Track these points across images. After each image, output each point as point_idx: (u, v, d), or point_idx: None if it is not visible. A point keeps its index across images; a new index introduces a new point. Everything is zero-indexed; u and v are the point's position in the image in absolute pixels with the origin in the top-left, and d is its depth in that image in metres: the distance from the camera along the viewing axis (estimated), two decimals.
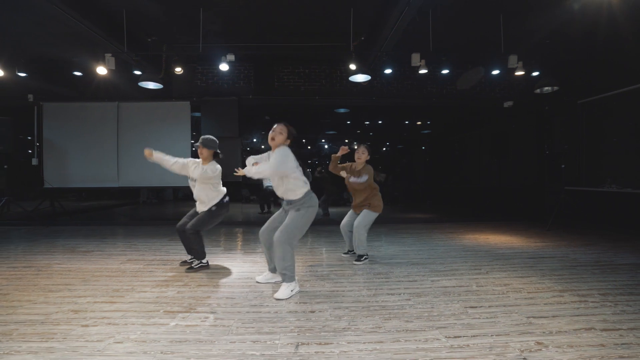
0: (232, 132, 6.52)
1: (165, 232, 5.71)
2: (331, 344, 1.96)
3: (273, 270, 3.09)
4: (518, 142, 8.09)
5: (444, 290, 2.88)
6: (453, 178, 11.30)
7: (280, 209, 3.03)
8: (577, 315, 2.32)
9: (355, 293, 2.83)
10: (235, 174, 2.93)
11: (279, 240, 2.74)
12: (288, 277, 2.76)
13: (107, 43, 5.01)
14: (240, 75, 6.83)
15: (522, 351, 1.85)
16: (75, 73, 6.47)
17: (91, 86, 6.59)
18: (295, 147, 2.89)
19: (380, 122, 10.34)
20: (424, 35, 5.18)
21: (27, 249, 4.43)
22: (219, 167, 3.50)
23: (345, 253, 4.16)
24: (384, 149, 15.10)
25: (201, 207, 3.53)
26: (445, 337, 2.04)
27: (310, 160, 16.24)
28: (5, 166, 6.33)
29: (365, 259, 3.81)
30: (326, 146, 14.98)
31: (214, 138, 3.50)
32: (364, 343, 1.97)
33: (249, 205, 11.47)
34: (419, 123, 10.51)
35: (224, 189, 3.61)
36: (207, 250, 4.28)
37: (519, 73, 5.14)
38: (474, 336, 2.04)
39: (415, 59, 4.94)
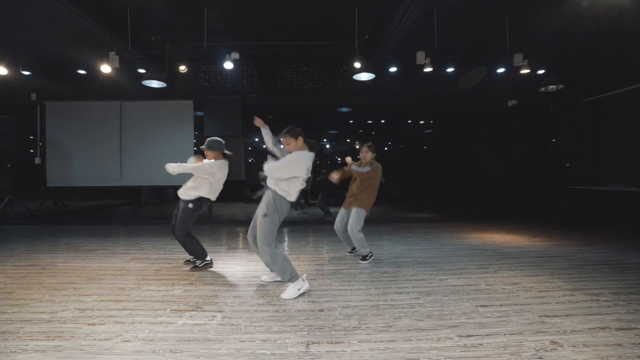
0: (235, 131, 6.49)
1: (168, 231, 5.67)
2: (342, 342, 1.93)
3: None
4: (521, 141, 8.06)
5: (453, 289, 2.85)
6: (455, 177, 11.27)
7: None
8: (591, 315, 2.29)
9: (363, 292, 2.80)
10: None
11: (261, 250, 2.74)
12: (289, 277, 2.73)
13: (111, 41, 4.98)
14: (243, 74, 6.80)
15: (538, 350, 1.82)
16: (79, 71, 6.45)
17: (94, 85, 6.58)
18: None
19: (383, 121, 10.31)
20: (428, 34, 5.15)
21: (30, 247, 4.40)
22: (216, 165, 3.36)
23: (349, 252, 4.13)
24: (386, 148, 15.07)
25: (181, 191, 3.41)
26: (458, 336, 2.00)
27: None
28: (9, 165, 6.32)
29: (371, 256, 3.78)
30: (328, 146, 14.95)
31: (219, 139, 3.45)
32: (376, 342, 1.94)
33: (251, 205, 11.44)
34: (421, 122, 10.47)
35: (211, 194, 3.44)
36: (210, 249, 4.28)
37: (525, 71, 5.11)
38: (487, 335, 2.01)
39: (420, 57, 4.91)
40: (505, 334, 2.01)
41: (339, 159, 16.41)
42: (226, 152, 3.49)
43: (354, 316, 2.31)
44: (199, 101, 6.71)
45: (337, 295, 2.73)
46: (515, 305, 2.49)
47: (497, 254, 4.16)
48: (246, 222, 7.46)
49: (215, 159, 3.43)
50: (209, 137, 3.51)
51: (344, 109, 8.35)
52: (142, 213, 9.27)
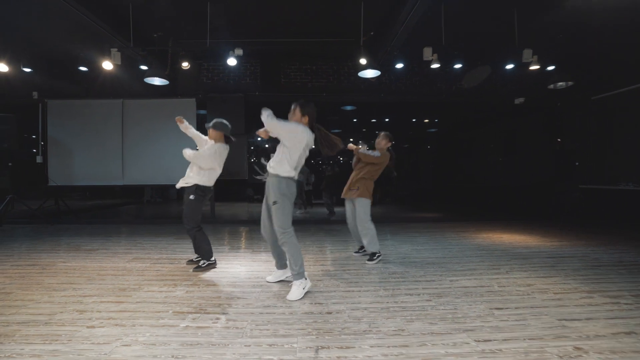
0: (238, 130, 6.38)
1: (171, 230, 5.61)
2: (353, 347, 1.83)
3: (282, 266, 2.97)
4: (527, 139, 7.93)
5: (465, 291, 2.75)
6: (460, 177, 11.14)
7: (265, 198, 2.79)
8: (613, 318, 2.18)
9: (372, 293, 2.71)
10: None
11: (280, 240, 2.66)
12: (297, 271, 2.65)
13: (113, 38, 4.91)
14: (246, 72, 6.71)
15: (561, 357, 1.72)
16: (81, 68, 6.36)
17: (96, 83, 6.50)
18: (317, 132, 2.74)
19: (387, 119, 10.19)
20: (435, 30, 5.04)
21: (31, 247, 4.33)
22: (214, 148, 3.24)
23: (356, 252, 4.04)
24: (389, 147, 14.91)
25: (179, 183, 3.35)
26: (475, 340, 1.90)
27: (313, 160, 16.07)
28: (10, 164, 6.26)
29: (378, 257, 3.67)
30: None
31: (226, 122, 3.36)
32: (388, 347, 1.84)
33: (253, 204, 11.37)
34: (426, 121, 10.35)
35: (209, 180, 3.33)
36: (213, 249, 4.18)
37: (534, 67, 4.99)
38: (505, 340, 1.91)
39: (427, 53, 4.81)
40: (524, 339, 1.91)
41: (342, 158, 16.29)
42: (230, 137, 3.39)
43: (363, 319, 2.21)
44: (202, 99, 6.63)
45: (345, 296, 2.63)
46: (532, 308, 2.39)
47: (507, 254, 4.05)
48: (249, 221, 7.41)
49: (216, 139, 3.32)
50: (215, 119, 3.43)
51: (348, 107, 8.25)
52: (145, 212, 9.21)
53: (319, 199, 9.12)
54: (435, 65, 5.02)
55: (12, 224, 6.11)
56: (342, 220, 7.43)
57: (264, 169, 2.82)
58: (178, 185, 3.38)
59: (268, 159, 2.82)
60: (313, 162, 15.86)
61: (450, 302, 2.50)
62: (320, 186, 8.03)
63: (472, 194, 10.38)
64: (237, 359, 1.72)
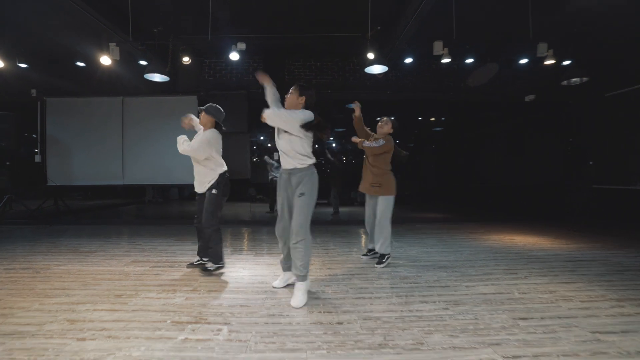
0: (240, 128, 6.25)
1: (172, 231, 5.44)
2: None
3: (288, 269, 2.78)
4: (538, 137, 7.72)
5: (484, 298, 2.57)
6: (467, 176, 10.93)
7: (281, 194, 2.63)
8: None
9: (384, 300, 2.53)
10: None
11: (297, 236, 2.48)
12: (305, 272, 2.51)
13: (112, 33, 4.75)
14: (249, 69, 6.55)
15: None
16: (79, 64, 6.21)
17: (96, 80, 6.35)
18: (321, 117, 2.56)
19: (392, 118, 9.96)
20: (444, 25, 4.87)
21: (27, 249, 4.18)
22: (206, 137, 3.01)
23: (364, 254, 3.86)
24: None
25: (199, 187, 3.18)
26: (503, 357, 1.72)
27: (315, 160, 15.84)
28: (7, 163, 6.12)
29: (388, 258, 3.50)
30: (334, 144, 14.65)
31: (220, 108, 3.19)
32: None
33: (255, 204, 11.21)
34: (432, 119, 10.15)
35: (221, 167, 3.16)
36: None
37: (549, 62, 4.79)
38: (536, 356, 1.73)
39: (438, 47, 4.61)
40: (558, 355, 1.73)
41: (344, 158, 16.11)
42: (222, 125, 3.20)
43: (377, 330, 2.04)
44: (203, 97, 6.46)
45: (356, 304, 2.45)
46: (559, 318, 2.20)
47: (522, 257, 3.86)
48: (251, 222, 7.24)
49: (206, 125, 3.13)
50: (208, 103, 3.26)
51: (352, 105, 8.03)
52: (146, 213, 9.07)
53: (322, 198, 8.95)
54: (446, 60, 4.82)
55: (10, 225, 5.97)
56: (347, 221, 7.28)
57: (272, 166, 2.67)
58: (200, 191, 3.18)
59: (271, 156, 2.68)
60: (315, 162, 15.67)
61: (469, 311, 2.32)
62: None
63: (479, 194, 10.18)
64: None
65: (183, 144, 3.05)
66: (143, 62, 5.23)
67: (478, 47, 5.63)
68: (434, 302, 2.51)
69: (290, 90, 2.61)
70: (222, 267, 3.22)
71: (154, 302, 2.45)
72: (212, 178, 3.12)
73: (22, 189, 8.03)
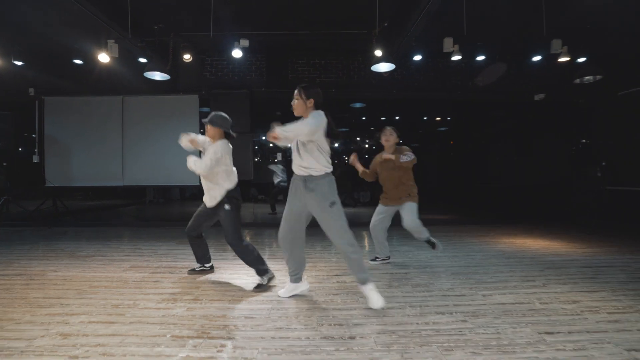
0: (243, 128, 6.09)
1: (173, 234, 5.30)
2: None
3: (296, 280, 2.64)
4: (548, 137, 7.55)
5: (503, 309, 2.41)
6: (472, 177, 10.76)
7: (292, 202, 2.47)
8: None
9: (397, 311, 2.38)
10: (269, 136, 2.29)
11: (344, 248, 2.37)
12: (367, 277, 2.43)
13: (111, 29, 4.61)
14: (252, 67, 6.39)
15: None
16: (77, 61, 6.06)
17: (95, 79, 6.21)
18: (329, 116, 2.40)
19: (397, 117, 9.83)
20: (454, 22, 4.71)
21: (23, 253, 4.04)
22: (219, 151, 2.79)
23: (372, 260, 3.71)
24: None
25: (210, 201, 2.94)
26: None
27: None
28: (5, 164, 5.98)
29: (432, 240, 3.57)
30: (337, 144, 14.51)
31: (225, 116, 2.94)
32: None
33: (257, 205, 11.07)
34: (438, 119, 9.98)
35: (230, 181, 2.92)
36: (217, 255, 3.88)
37: (564, 59, 4.62)
38: None
39: (448, 44, 4.46)
40: None
41: (347, 158, 15.96)
42: (231, 132, 2.96)
43: (393, 346, 1.89)
44: (205, 96, 6.32)
45: (368, 315, 2.30)
46: (588, 332, 2.05)
47: (537, 262, 3.70)
48: (253, 224, 7.09)
49: (215, 137, 2.91)
50: (212, 112, 3.05)
51: (357, 105, 7.92)
52: (146, 214, 8.93)
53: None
54: (456, 57, 4.66)
55: (7, 227, 5.84)
56: (351, 223, 7.11)
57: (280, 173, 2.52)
58: (210, 205, 2.94)
59: (275, 162, 2.53)
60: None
61: (490, 324, 2.17)
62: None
63: (485, 195, 10.01)
64: None
65: (195, 164, 2.79)
66: (143, 60, 5.08)
67: (489, 44, 5.45)
68: (451, 313, 2.35)
69: (295, 96, 2.42)
70: (273, 277, 2.92)
71: (153, 313, 2.31)
72: (220, 193, 2.88)
73: (20, 190, 7.90)
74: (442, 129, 11.38)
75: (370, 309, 2.42)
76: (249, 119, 6.15)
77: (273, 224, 6.76)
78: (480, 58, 5.48)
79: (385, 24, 4.98)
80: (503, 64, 6.38)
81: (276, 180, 7.67)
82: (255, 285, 2.85)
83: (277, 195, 8.10)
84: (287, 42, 5.95)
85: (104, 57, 4.62)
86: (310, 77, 6.41)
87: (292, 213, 2.48)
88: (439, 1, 4.10)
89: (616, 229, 5.61)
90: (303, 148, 2.36)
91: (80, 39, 5.16)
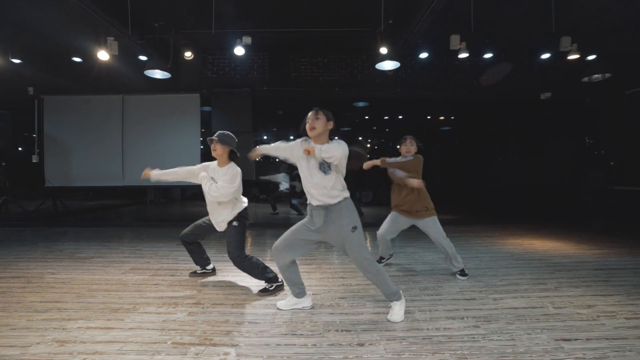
0: (245, 127, 6.01)
1: (173, 235, 5.21)
2: None
3: (299, 294, 2.43)
4: (554, 137, 7.45)
5: (516, 314, 2.33)
6: (476, 176, 10.66)
7: (303, 223, 2.33)
8: None
9: (406, 316, 2.29)
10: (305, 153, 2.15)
11: (367, 270, 2.24)
12: (394, 293, 2.26)
13: (110, 26, 4.52)
14: (254, 66, 6.31)
15: None
16: (76, 59, 5.97)
17: (95, 77, 6.13)
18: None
19: (400, 117, 9.73)
20: (460, 19, 4.62)
21: (21, 254, 3.96)
22: (238, 175, 2.75)
23: (378, 261, 3.62)
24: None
25: (219, 226, 2.83)
26: None
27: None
28: (4, 163, 5.91)
29: (463, 271, 3.18)
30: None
31: (232, 135, 2.84)
32: None
33: (260, 205, 10.99)
34: (442, 118, 9.87)
35: (241, 204, 2.88)
36: (219, 257, 3.80)
37: (573, 57, 4.52)
38: None
39: (455, 41, 4.37)
40: None
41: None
42: (236, 151, 2.84)
43: (404, 354, 1.80)
44: (206, 94, 6.24)
45: (376, 321, 2.22)
46: (607, 339, 1.96)
47: (546, 264, 3.61)
48: (256, 224, 7.00)
49: (222, 155, 2.79)
50: (218, 131, 2.94)
51: (361, 104, 7.83)
52: (147, 214, 8.86)
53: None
54: (463, 55, 4.57)
55: (6, 227, 5.77)
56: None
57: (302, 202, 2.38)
58: (221, 229, 2.86)
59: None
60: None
61: (503, 330, 2.08)
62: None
63: (489, 194, 9.90)
64: None
65: (212, 188, 2.68)
66: (143, 58, 5.00)
67: (496, 42, 5.35)
68: (462, 318, 2.27)
69: (315, 116, 2.20)
70: (281, 286, 2.81)
71: (153, 318, 2.23)
72: (231, 215, 2.79)
73: (20, 190, 7.83)
74: (446, 128, 11.27)
75: (378, 313, 2.34)
76: (251, 117, 6.06)
77: (275, 224, 6.68)
78: (487, 56, 5.37)
79: (390, 21, 4.88)
80: (508, 64, 6.30)
81: (281, 187, 7.63)
82: (261, 288, 2.77)
83: (279, 198, 8.04)
84: (289, 40, 5.86)
85: (103, 55, 4.55)
86: (313, 75, 6.32)
87: (300, 238, 2.31)
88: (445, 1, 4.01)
89: (624, 230, 5.51)
90: (326, 178, 2.20)
91: (79, 36, 5.08)
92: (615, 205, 5.84)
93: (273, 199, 8.01)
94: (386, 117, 9.97)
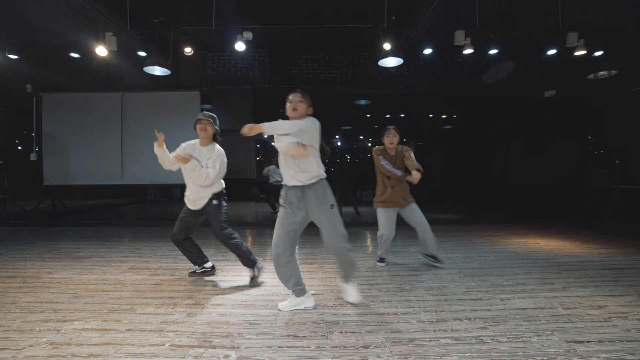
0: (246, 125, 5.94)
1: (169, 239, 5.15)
2: None
3: (301, 292, 2.36)
4: (558, 135, 7.37)
5: (525, 315, 2.26)
6: (478, 175, 10.59)
7: (282, 214, 2.34)
8: None
9: (411, 317, 2.23)
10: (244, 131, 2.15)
11: (341, 249, 2.33)
12: (350, 277, 2.42)
13: (109, 22, 4.45)
14: (254, 63, 6.23)
15: None
16: (73, 55, 5.89)
17: (94, 75, 6.06)
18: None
19: (402, 115, 9.65)
20: (464, 14, 4.55)
21: (18, 254, 3.90)
22: (224, 157, 2.93)
23: (380, 261, 3.56)
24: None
25: (198, 204, 2.90)
26: None
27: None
28: (1, 162, 5.84)
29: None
30: (340, 143, 14.31)
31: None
32: None
33: (260, 204, 10.92)
34: (444, 116, 9.79)
35: (220, 185, 3.01)
36: (219, 256, 3.75)
37: (580, 52, 4.45)
38: None
39: (460, 37, 4.29)
40: None
41: (348, 157, 15.78)
42: (220, 136, 3.03)
43: (411, 357, 1.74)
44: (207, 92, 6.16)
45: (381, 322, 2.15)
46: (621, 341, 1.89)
47: (552, 264, 3.55)
48: (256, 223, 6.94)
49: (210, 137, 2.93)
50: (204, 111, 3.06)
51: (362, 102, 7.75)
52: (147, 213, 8.80)
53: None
54: (468, 51, 4.50)
55: (4, 226, 5.71)
56: (354, 223, 6.97)
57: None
58: (199, 207, 2.91)
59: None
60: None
61: (512, 332, 2.01)
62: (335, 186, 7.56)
63: (491, 193, 9.84)
64: None
65: (201, 172, 2.79)
66: (142, 54, 4.92)
67: (501, 38, 5.26)
68: (469, 319, 2.20)
69: (299, 99, 2.27)
70: (262, 268, 3.03)
71: (151, 319, 2.16)
72: (211, 193, 2.91)
73: (18, 189, 7.77)
74: (448, 127, 11.19)
75: (382, 314, 2.27)
76: (252, 115, 5.99)
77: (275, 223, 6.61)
78: (491, 52, 5.29)
79: (394, 17, 4.81)
80: (511, 62, 6.23)
81: (272, 179, 7.54)
82: (250, 279, 2.91)
83: (274, 194, 7.97)
84: (290, 36, 5.79)
85: (101, 51, 4.48)
86: (314, 72, 6.25)
87: (291, 226, 2.31)
88: None
89: (629, 230, 5.44)
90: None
91: (77, 31, 5.00)
92: (620, 204, 5.76)
93: (270, 196, 7.95)
94: (388, 115, 9.89)
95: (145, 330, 1.99)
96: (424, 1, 4.15)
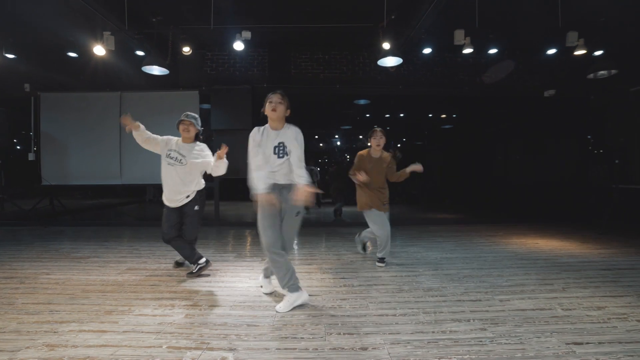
0: (245, 124, 5.91)
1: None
2: None
3: (295, 289, 2.37)
4: (557, 135, 7.36)
5: (524, 316, 2.25)
6: (477, 175, 10.58)
7: (265, 212, 2.39)
8: None
9: (410, 318, 2.22)
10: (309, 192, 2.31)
11: (288, 251, 2.49)
12: (288, 283, 2.38)
13: (107, 21, 4.43)
14: (253, 62, 6.21)
15: None
16: (71, 54, 5.85)
17: (92, 74, 6.03)
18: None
19: (402, 114, 9.64)
20: (464, 14, 4.52)
21: (15, 254, 3.89)
22: (205, 147, 3.15)
23: (380, 261, 3.54)
24: (399, 145, 14.38)
25: (179, 202, 3.02)
26: None
27: (320, 160, 15.59)
28: (0, 161, 5.82)
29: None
30: (339, 142, 14.30)
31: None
32: None
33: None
34: (443, 116, 9.78)
35: (201, 183, 3.18)
36: (218, 256, 3.74)
37: (580, 52, 4.43)
38: None
39: (459, 36, 4.28)
40: None
41: (348, 156, 15.76)
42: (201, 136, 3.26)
43: (409, 359, 1.73)
44: (206, 91, 6.14)
45: (379, 323, 2.14)
46: (620, 343, 1.88)
47: (552, 264, 3.54)
48: (255, 225, 6.92)
49: (192, 138, 3.14)
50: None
51: (362, 101, 7.74)
52: (146, 213, 8.79)
53: (326, 197, 8.66)
54: (467, 50, 4.48)
55: (2, 227, 5.70)
56: (354, 223, 6.94)
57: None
58: (179, 205, 3.05)
59: None
60: (320, 161, 15.35)
61: (511, 333, 2.01)
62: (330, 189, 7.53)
63: (490, 193, 9.83)
64: None
65: (211, 164, 2.96)
66: (140, 53, 4.90)
67: (500, 37, 5.24)
68: (468, 320, 2.19)
69: (280, 100, 2.36)
70: (204, 264, 3.08)
71: (148, 320, 2.15)
72: (192, 192, 3.04)
73: (17, 189, 7.74)
74: (447, 126, 11.18)
75: (381, 315, 2.26)
76: (251, 115, 5.96)
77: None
78: (491, 52, 5.28)
79: (393, 16, 4.79)
80: (511, 61, 6.21)
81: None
82: (188, 272, 3.07)
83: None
84: (289, 35, 5.77)
85: (99, 50, 4.45)
86: (314, 72, 6.23)
87: (277, 217, 2.41)
88: None
89: (629, 230, 5.43)
90: (289, 160, 2.40)
91: (75, 30, 4.96)
92: (620, 204, 5.76)
93: None
94: (387, 115, 9.88)
95: (142, 332, 1.98)
96: (423, 0, 4.13)
